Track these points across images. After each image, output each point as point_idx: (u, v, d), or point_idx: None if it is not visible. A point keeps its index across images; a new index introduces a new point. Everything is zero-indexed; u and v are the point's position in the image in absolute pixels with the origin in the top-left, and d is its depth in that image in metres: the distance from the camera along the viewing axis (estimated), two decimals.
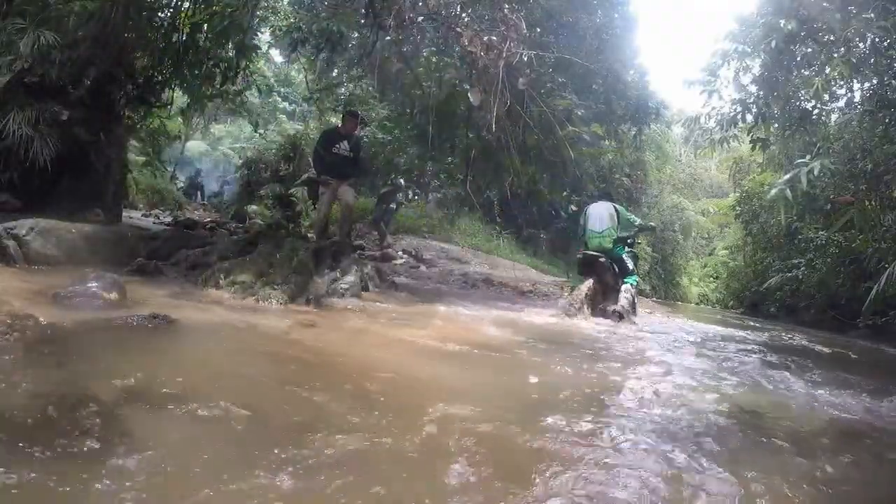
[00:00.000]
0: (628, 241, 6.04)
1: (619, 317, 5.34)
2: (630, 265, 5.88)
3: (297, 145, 11.86)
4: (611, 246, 5.77)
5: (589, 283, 5.64)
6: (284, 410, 1.65)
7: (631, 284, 5.77)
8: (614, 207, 5.97)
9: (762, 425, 2.15)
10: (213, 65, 6.56)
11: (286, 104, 22.51)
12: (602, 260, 5.73)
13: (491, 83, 5.82)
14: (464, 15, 7.31)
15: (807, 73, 8.45)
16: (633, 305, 5.71)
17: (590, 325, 5.01)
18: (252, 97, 13.03)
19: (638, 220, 6.35)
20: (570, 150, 6.76)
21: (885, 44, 7.21)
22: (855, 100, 10.00)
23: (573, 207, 5.79)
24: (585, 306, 5.44)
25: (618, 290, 5.68)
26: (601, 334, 4.44)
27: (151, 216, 9.64)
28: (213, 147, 22.06)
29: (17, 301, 2.35)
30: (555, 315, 5.22)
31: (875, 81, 8.01)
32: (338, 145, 5.97)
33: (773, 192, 6.03)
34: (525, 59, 6.13)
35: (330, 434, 1.47)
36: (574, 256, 7.02)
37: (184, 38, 6.15)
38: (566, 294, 6.25)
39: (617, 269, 5.83)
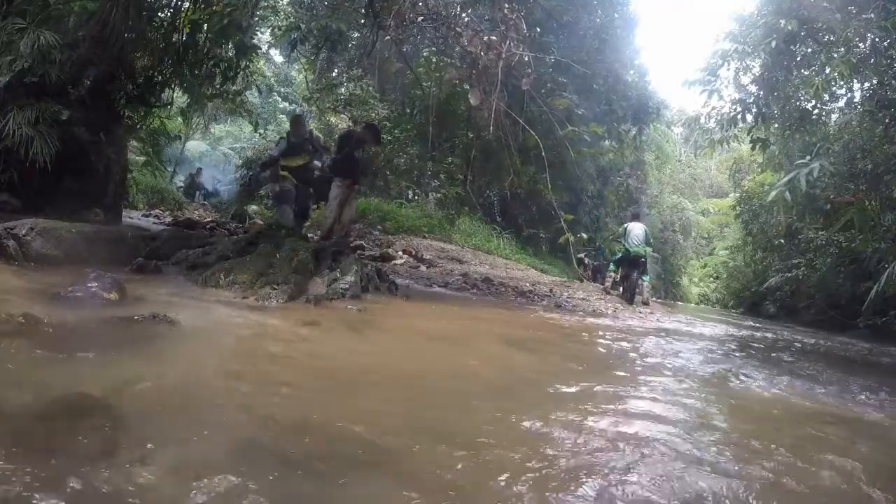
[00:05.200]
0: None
1: (646, 303, 9.07)
2: (648, 267, 9.71)
3: None
4: (644, 253, 9.21)
5: (614, 276, 10.01)
6: (285, 409, 1.64)
7: (647, 281, 9.79)
8: (644, 228, 9.38)
9: None
10: (213, 65, 6.55)
11: (286, 104, 22.49)
12: (642, 260, 9.21)
13: (491, 83, 5.82)
14: (464, 15, 7.31)
15: (807, 73, 8.46)
16: (645, 296, 9.49)
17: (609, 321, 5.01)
18: (252, 97, 13.03)
19: (651, 240, 9.95)
20: (570, 150, 6.77)
21: (885, 44, 7.21)
22: (855, 100, 10.01)
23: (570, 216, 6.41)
24: (618, 287, 9.60)
25: (634, 279, 9.11)
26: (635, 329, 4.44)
27: (151, 216, 9.63)
28: (213, 147, 22.04)
29: (17, 300, 2.35)
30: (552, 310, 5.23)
31: (875, 81, 8.01)
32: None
33: (773, 193, 6.05)
34: (525, 59, 6.13)
35: (340, 434, 1.48)
36: (574, 256, 11.54)
37: (184, 38, 6.14)
38: (580, 284, 10.24)
39: (641, 268, 9.29)
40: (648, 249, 9.29)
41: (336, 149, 6.38)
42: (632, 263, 9.19)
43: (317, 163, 6.69)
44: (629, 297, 8.92)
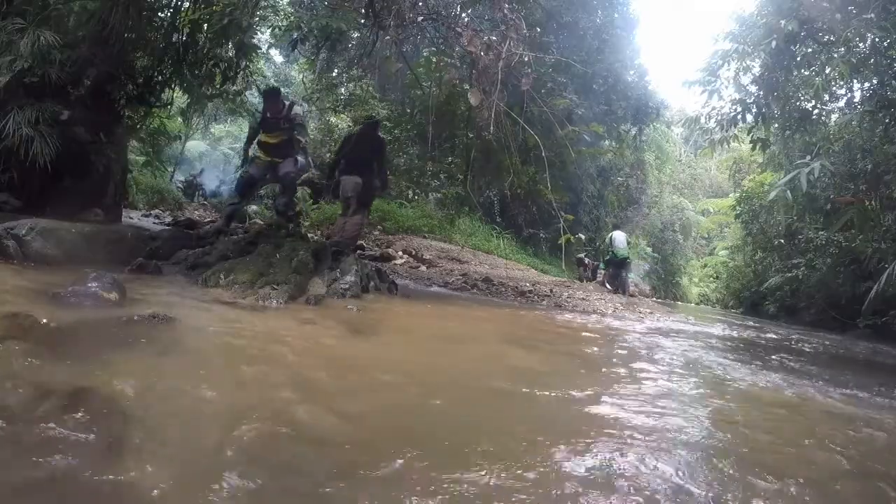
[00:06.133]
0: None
1: (632, 296, 10.71)
2: (632, 268, 12.53)
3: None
4: (628, 255, 11.33)
5: (604, 275, 11.93)
6: (285, 409, 1.64)
7: (632, 278, 12.17)
8: (625, 235, 11.78)
9: None
10: (213, 65, 6.55)
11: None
12: (627, 261, 11.33)
13: (491, 83, 5.82)
14: (464, 15, 7.31)
15: (807, 73, 8.46)
16: (631, 289, 11.48)
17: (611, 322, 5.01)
18: (252, 97, 13.01)
19: (630, 242, 12.96)
20: (570, 149, 6.77)
21: (885, 44, 7.21)
22: (855, 100, 10.02)
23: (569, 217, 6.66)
24: (608, 285, 11.34)
25: (624, 277, 11.30)
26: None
27: (151, 216, 9.64)
28: (213, 147, 22.01)
29: (17, 300, 2.35)
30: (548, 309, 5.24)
31: (875, 81, 8.01)
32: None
33: (773, 193, 6.05)
34: (525, 59, 6.13)
35: (336, 433, 1.48)
36: (573, 257, 14.80)
37: (184, 38, 6.15)
38: (580, 283, 12.07)
39: (627, 268, 11.50)
40: (647, 250, 11.73)
41: (381, 154, 5.98)
42: (619, 265, 11.19)
43: (306, 167, 6.10)
44: (622, 292, 10.67)
